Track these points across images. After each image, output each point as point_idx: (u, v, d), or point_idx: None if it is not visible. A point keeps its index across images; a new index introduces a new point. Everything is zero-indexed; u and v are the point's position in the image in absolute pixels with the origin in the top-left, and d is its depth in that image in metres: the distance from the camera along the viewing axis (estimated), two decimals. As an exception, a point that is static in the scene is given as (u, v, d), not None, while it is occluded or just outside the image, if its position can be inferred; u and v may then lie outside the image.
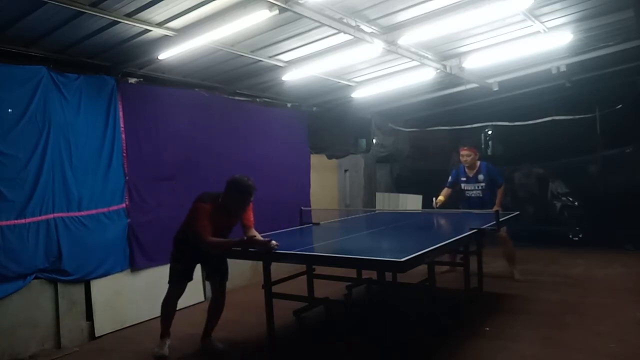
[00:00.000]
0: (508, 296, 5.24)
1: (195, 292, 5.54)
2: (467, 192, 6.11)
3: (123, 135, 4.98)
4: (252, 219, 4.04)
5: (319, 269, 4.81)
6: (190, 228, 3.80)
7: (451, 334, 4.17)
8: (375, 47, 4.69)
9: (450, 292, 5.17)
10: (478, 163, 6.08)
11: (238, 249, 3.75)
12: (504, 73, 6.75)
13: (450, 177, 6.31)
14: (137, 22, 3.99)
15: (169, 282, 3.97)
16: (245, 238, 3.81)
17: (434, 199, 6.03)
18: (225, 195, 3.83)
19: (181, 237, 3.94)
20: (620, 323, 4.20)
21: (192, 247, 3.83)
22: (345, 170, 8.74)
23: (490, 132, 10.97)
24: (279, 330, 4.15)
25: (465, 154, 6.06)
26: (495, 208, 5.48)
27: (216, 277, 4.09)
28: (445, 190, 6.23)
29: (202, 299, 5.66)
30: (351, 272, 5.08)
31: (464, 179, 6.12)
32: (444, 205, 6.07)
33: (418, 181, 9.31)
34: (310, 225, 5.46)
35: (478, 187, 6.01)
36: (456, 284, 5.26)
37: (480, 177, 6.01)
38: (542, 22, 4.81)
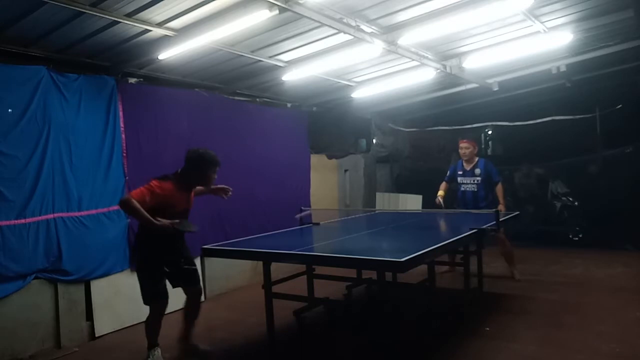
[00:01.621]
0: (508, 296, 5.24)
1: (195, 292, 5.54)
2: (462, 185, 6.08)
3: (123, 135, 4.98)
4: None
5: (319, 269, 4.80)
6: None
7: (451, 334, 4.17)
8: (375, 47, 4.69)
9: (450, 292, 5.17)
10: (476, 158, 6.08)
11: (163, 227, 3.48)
12: (504, 73, 6.75)
13: (448, 172, 6.31)
14: (137, 22, 3.99)
15: (145, 303, 3.66)
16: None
17: (439, 198, 5.99)
18: (188, 171, 3.66)
19: (140, 238, 3.67)
20: (620, 323, 4.20)
21: (154, 246, 3.59)
22: (345, 170, 8.74)
23: (490, 132, 10.99)
24: (279, 330, 4.15)
25: (464, 146, 6.05)
26: (500, 207, 5.51)
27: (182, 283, 3.83)
28: (444, 185, 6.23)
29: (202, 298, 5.64)
30: (351, 272, 5.08)
31: (460, 172, 6.10)
32: (445, 202, 6.05)
33: (418, 181, 9.31)
34: (310, 225, 5.46)
35: (474, 180, 5.99)
36: (456, 284, 5.26)
37: (477, 171, 5.99)
38: (542, 22, 4.81)
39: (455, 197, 6.26)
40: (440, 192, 6.11)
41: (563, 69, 6.24)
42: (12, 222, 4.05)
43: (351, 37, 4.43)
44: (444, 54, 5.72)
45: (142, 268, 3.67)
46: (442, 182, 6.35)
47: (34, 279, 4.22)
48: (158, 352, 3.83)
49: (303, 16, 3.84)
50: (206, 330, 4.50)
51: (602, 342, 3.77)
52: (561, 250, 7.45)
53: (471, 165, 6.05)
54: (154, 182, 3.56)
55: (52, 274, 4.34)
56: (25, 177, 4.16)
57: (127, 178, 4.99)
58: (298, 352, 4.07)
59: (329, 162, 8.41)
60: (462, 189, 6.09)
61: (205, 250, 4.04)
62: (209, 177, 3.70)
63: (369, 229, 5.27)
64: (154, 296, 3.65)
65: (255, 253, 3.85)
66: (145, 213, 3.43)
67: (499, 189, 5.94)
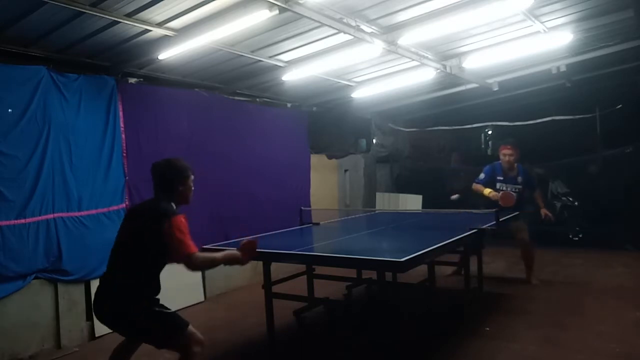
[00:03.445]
0: (508, 296, 5.24)
1: (195, 291, 5.55)
2: (502, 191, 5.66)
3: (123, 135, 4.98)
4: None
5: (319, 269, 4.81)
6: (177, 253, 2.66)
7: (451, 334, 4.17)
8: (375, 47, 4.69)
9: (450, 292, 5.17)
10: (516, 164, 5.77)
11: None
12: (504, 73, 6.76)
13: (482, 175, 5.80)
14: (137, 22, 3.99)
15: (183, 335, 2.89)
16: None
17: (497, 193, 5.50)
18: (170, 190, 2.87)
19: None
20: (620, 323, 4.20)
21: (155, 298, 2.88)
22: (345, 170, 8.74)
23: (490, 132, 10.98)
24: (279, 330, 4.15)
25: (508, 153, 5.68)
26: (544, 211, 5.65)
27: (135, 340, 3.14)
28: (481, 187, 5.69)
29: (202, 298, 5.66)
30: (351, 272, 5.08)
31: (500, 177, 5.73)
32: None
33: (418, 181, 9.30)
34: (310, 225, 5.46)
35: (515, 189, 5.66)
36: (456, 284, 5.25)
37: (520, 179, 5.70)
38: (542, 22, 4.81)
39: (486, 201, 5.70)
40: (493, 193, 5.55)
41: (563, 69, 6.24)
42: (12, 222, 4.05)
43: (351, 37, 4.43)
44: (444, 54, 5.72)
45: (151, 316, 2.85)
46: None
47: (34, 279, 4.22)
48: None
49: (303, 16, 3.84)
50: (206, 330, 4.49)
51: (602, 342, 3.78)
52: (561, 250, 7.45)
53: (513, 173, 5.73)
54: (180, 221, 2.70)
55: (52, 274, 4.34)
56: (25, 177, 4.16)
57: (127, 178, 4.99)
58: (298, 352, 4.07)
59: (329, 162, 8.41)
60: None
61: (205, 250, 4.03)
62: (189, 188, 2.96)
63: (369, 229, 5.28)
64: (184, 321, 2.84)
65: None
66: (218, 254, 2.88)
67: (539, 195, 5.98)
